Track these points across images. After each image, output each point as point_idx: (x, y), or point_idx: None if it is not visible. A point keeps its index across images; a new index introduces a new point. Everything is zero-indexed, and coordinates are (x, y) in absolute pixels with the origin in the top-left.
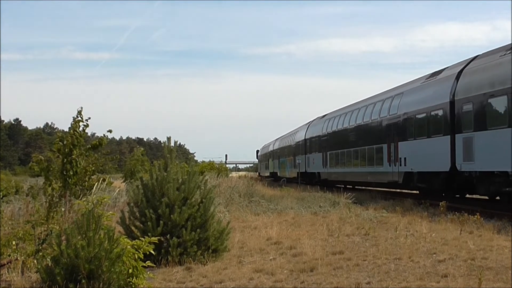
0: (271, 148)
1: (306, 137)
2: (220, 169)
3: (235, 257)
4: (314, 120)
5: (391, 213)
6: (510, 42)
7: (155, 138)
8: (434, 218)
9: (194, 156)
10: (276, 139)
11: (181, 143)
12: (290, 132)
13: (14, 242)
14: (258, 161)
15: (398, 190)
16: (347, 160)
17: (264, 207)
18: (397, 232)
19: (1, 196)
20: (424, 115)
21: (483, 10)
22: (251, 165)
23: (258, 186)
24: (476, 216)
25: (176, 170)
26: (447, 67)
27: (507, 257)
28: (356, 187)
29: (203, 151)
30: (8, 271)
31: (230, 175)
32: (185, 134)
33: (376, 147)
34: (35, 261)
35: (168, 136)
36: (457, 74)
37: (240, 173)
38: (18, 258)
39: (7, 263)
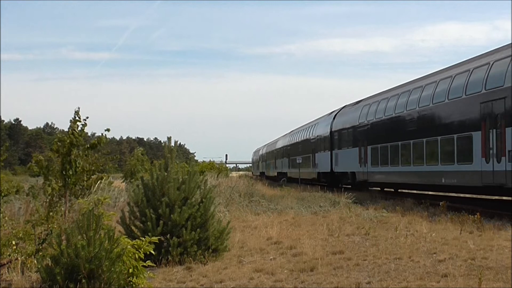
0: (261, 152)
1: (281, 146)
2: (220, 169)
3: (235, 256)
4: (286, 134)
5: (391, 213)
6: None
7: (155, 138)
8: (434, 218)
9: (194, 156)
10: (264, 145)
11: (181, 143)
12: (273, 141)
13: (14, 242)
14: (252, 162)
15: (317, 183)
16: (297, 163)
17: (264, 207)
18: (397, 232)
19: (1, 196)
20: (322, 138)
21: (483, 10)
22: (251, 165)
23: (258, 186)
24: (476, 216)
25: (176, 170)
26: (334, 110)
27: (507, 257)
28: (306, 183)
29: (203, 151)
30: (8, 271)
31: (230, 175)
32: (185, 134)
33: (308, 156)
34: (35, 261)
35: (169, 136)
36: (334, 115)
37: (240, 172)
38: (18, 258)
39: (7, 263)
